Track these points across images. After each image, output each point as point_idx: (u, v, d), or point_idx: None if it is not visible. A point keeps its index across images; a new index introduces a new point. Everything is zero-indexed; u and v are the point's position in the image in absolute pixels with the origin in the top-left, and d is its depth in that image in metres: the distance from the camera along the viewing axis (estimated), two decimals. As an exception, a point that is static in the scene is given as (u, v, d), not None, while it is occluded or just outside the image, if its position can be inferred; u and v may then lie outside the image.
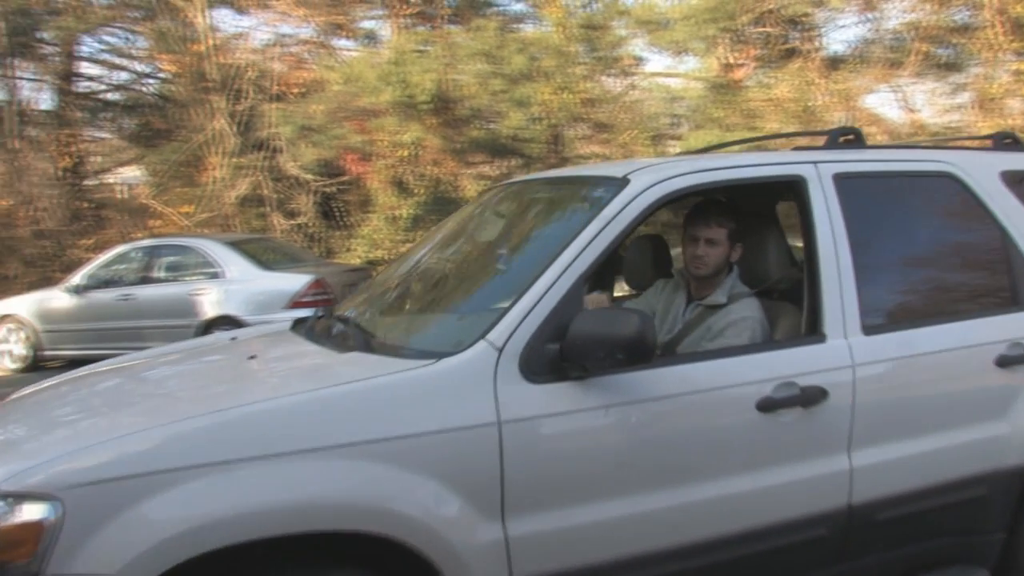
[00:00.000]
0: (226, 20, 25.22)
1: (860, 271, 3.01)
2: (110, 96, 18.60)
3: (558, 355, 2.53)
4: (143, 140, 18.02)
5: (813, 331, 2.96)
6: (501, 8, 17.57)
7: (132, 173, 19.85)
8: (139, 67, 18.47)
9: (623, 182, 2.86)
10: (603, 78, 16.06)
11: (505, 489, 2.47)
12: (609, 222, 2.73)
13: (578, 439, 2.60)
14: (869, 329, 2.99)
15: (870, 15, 15.54)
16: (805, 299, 3.01)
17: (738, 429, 2.78)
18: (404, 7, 16.55)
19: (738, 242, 3.23)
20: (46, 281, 13.29)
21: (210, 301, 9.78)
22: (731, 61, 16.27)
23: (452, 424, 2.43)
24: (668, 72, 17.32)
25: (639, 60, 16.72)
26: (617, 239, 2.73)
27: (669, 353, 3.12)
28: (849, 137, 3.40)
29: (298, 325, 3.48)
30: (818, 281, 2.96)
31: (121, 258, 10.83)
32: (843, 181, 3.08)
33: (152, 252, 10.67)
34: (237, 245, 10.41)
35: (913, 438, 3.04)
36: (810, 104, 14.94)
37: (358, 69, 15.01)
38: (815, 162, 3.10)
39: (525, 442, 2.49)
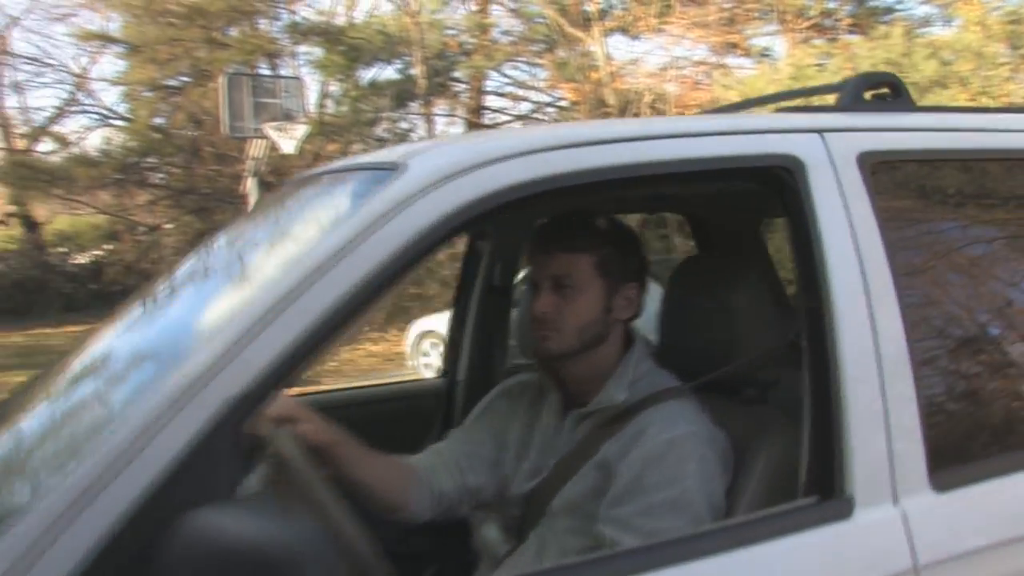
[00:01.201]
0: (620, 47, 26.50)
1: (920, 350, 1.44)
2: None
3: None
4: (544, 166, 19.32)
5: (825, 490, 1.36)
6: (905, 12, 16.75)
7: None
8: (540, 97, 19.85)
9: (393, 170, 1.31)
10: (1028, 78, 14.70)
11: None
12: (334, 265, 1.17)
13: None
14: (943, 480, 1.41)
15: None
16: (805, 415, 1.41)
17: None
18: (799, 21, 16.26)
19: (630, 281, 1.75)
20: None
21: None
22: None
23: None
24: (1112, 64, 15.47)
25: (1072, 52, 15.13)
26: (355, 304, 1.16)
27: (537, 512, 1.70)
28: (881, 90, 1.75)
29: None
30: (832, 375, 1.36)
31: (525, 279, 11.60)
32: (878, 167, 1.51)
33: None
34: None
35: None
36: None
37: (757, 86, 14.91)
38: (820, 131, 1.49)
39: None
